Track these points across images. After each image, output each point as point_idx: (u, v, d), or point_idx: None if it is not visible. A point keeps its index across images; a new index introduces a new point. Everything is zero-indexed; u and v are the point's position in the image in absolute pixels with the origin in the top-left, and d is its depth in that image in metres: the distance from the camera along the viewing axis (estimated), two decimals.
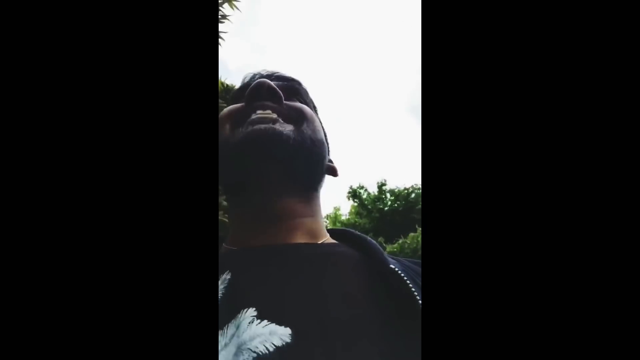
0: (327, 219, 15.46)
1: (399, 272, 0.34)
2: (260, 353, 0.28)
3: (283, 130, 0.40)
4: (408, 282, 0.33)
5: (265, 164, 0.40)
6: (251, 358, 0.28)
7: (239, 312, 0.32)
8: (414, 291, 0.32)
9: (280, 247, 0.40)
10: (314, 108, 0.50)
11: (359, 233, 0.45)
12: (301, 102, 0.47)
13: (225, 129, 0.43)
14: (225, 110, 0.46)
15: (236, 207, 0.45)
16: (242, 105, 0.44)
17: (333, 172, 0.51)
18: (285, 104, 0.44)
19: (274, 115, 0.42)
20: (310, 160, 0.43)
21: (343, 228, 0.48)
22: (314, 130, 0.45)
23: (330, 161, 0.52)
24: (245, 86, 0.47)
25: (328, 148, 0.52)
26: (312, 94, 0.53)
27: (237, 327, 0.31)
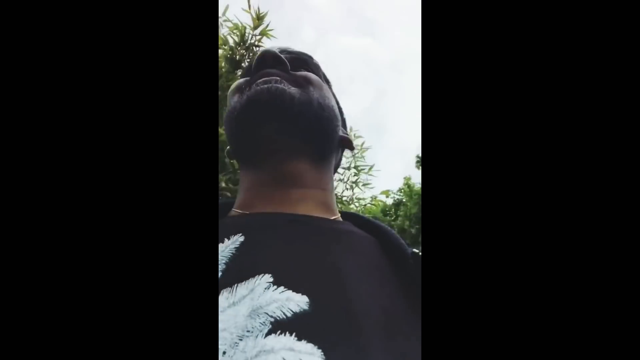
0: (401, 192, 14.90)
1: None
2: (278, 318, 0.27)
3: (286, 89, 0.40)
4: None
5: (270, 122, 0.40)
6: (269, 322, 0.27)
7: (252, 276, 0.30)
8: None
9: (295, 216, 0.39)
10: (326, 82, 0.49)
11: (371, 219, 0.44)
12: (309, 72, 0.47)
13: (233, 100, 0.44)
14: (233, 84, 0.46)
15: (247, 172, 0.45)
16: (248, 78, 0.44)
17: (349, 144, 0.50)
18: (292, 72, 0.44)
19: (278, 79, 0.41)
20: (318, 124, 0.42)
21: (353, 212, 0.47)
22: (322, 95, 0.44)
23: (345, 134, 0.51)
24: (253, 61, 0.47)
25: (343, 120, 0.52)
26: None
27: (251, 291, 0.29)
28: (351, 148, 0.51)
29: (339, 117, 0.48)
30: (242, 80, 0.46)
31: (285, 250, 0.34)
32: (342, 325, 0.28)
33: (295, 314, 0.28)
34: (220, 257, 0.33)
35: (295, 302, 0.28)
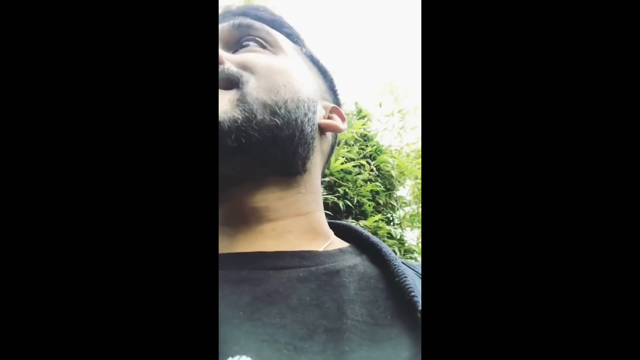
0: None
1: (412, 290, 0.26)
2: None
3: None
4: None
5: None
6: None
7: (224, 356, 0.22)
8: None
9: (272, 256, 0.29)
10: (294, 41, 0.44)
11: (372, 238, 0.33)
12: None
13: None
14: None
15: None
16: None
17: (334, 128, 0.40)
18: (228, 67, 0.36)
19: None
20: (269, 140, 0.33)
21: (346, 224, 0.36)
22: (269, 87, 0.36)
23: (335, 111, 0.44)
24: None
25: (331, 85, 0.48)
26: None
27: None
28: (338, 130, 0.38)
29: (310, 101, 0.34)
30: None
31: (267, 316, 0.24)
32: None
33: None
34: None
35: None
